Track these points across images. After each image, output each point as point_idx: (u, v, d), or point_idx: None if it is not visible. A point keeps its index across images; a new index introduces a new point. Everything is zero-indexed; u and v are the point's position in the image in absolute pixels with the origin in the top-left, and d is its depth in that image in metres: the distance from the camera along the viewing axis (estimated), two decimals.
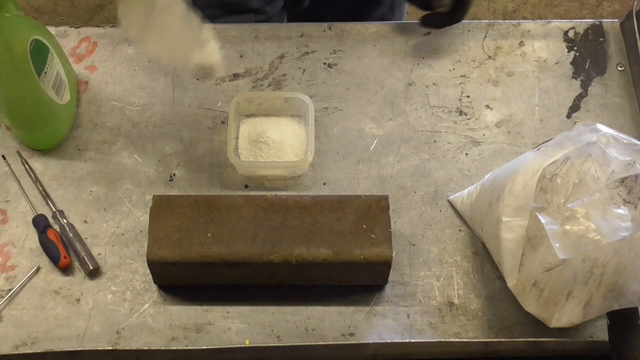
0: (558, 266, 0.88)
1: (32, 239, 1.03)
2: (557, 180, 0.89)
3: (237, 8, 1.27)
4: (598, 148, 0.89)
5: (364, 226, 0.95)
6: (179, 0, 0.96)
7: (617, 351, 0.89)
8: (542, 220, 0.87)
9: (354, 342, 0.97)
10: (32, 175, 1.07)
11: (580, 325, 0.95)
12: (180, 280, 0.99)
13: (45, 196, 1.05)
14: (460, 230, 1.05)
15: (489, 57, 1.18)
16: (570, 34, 1.21)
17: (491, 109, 1.14)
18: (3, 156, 1.09)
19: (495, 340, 0.97)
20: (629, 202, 0.86)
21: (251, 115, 1.11)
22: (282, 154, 1.07)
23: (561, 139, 0.94)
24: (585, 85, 1.16)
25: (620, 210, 0.86)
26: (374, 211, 0.96)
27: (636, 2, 1.15)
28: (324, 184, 1.08)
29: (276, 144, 1.07)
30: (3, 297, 0.98)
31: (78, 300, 0.99)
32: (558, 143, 0.93)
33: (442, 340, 0.96)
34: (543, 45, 1.19)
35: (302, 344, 0.96)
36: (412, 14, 1.39)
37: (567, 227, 0.87)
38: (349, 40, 1.19)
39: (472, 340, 0.97)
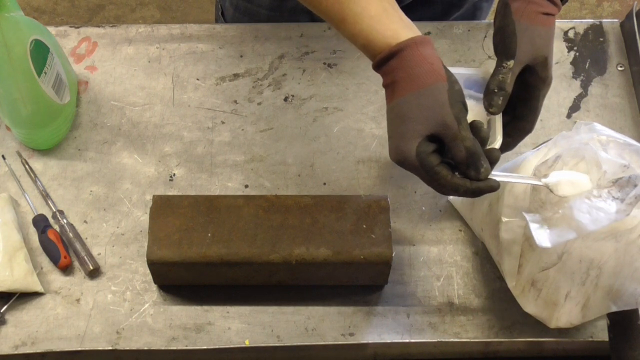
0: (554, 265, 0.88)
1: (32, 239, 1.03)
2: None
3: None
4: (591, 149, 0.89)
5: (364, 226, 0.95)
6: None
7: (617, 351, 0.89)
8: (527, 217, 0.88)
9: (354, 342, 0.97)
10: (32, 175, 1.07)
11: (580, 325, 0.95)
12: (180, 280, 0.99)
13: (45, 196, 1.05)
14: (460, 230, 1.05)
15: (489, 57, 1.18)
16: (570, 34, 1.21)
17: None
18: (3, 156, 1.09)
19: (495, 340, 0.97)
20: (616, 198, 0.87)
21: None
22: None
23: (558, 138, 0.94)
24: (585, 85, 1.16)
25: (605, 205, 0.86)
26: (374, 211, 0.96)
27: (636, 2, 1.15)
28: (324, 184, 1.08)
29: None
30: (4, 298, 0.98)
31: (78, 300, 0.99)
32: (555, 142, 0.94)
33: (442, 340, 0.96)
34: None
35: (302, 344, 0.96)
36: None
37: (551, 221, 0.87)
38: None
39: (472, 340, 0.97)
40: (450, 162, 0.84)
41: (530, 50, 0.90)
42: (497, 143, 0.91)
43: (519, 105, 0.93)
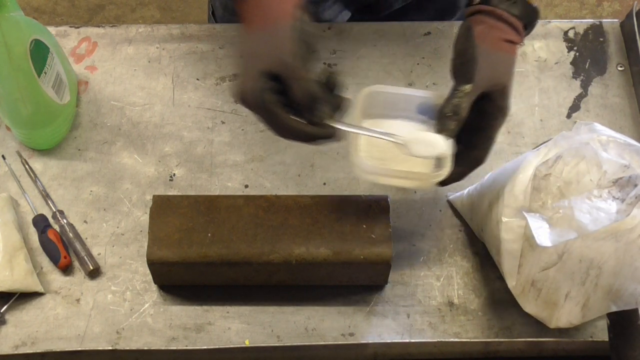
0: (554, 265, 0.88)
1: (32, 239, 1.03)
2: (550, 179, 0.90)
3: (312, 17, 1.26)
4: (591, 149, 0.89)
5: (364, 226, 0.95)
6: None
7: (617, 351, 0.89)
8: (527, 217, 0.88)
9: (354, 342, 0.97)
10: (32, 175, 1.07)
11: (580, 325, 0.95)
12: (180, 280, 0.99)
13: (45, 196, 1.05)
14: (460, 230, 1.05)
15: None
16: (570, 34, 1.21)
17: None
18: (3, 156, 1.09)
19: (495, 340, 0.97)
20: (617, 198, 0.87)
21: (378, 114, 0.93)
22: (410, 164, 0.91)
23: (558, 138, 0.94)
24: (585, 85, 1.16)
25: (606, 205, 0.86)
26: (374, 211, 0.96)
27: (636, 2, 1.15)
28: (324, 184, 1.08)
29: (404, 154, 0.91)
30: (4, 298, 0.98)
31: (78, 300, 0.99)
32: (555, 142, 0.94)
33: (442, 340, 0.96)
34: (543, 45, 1.19)
35: (302, 344, 0.96)
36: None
37: (552, 221, 0.87)
38: (349, 40, 1.19)
39: (472, 340, 0.97)
40: (293, 106, 0.82)
41: (489, 77, 0.87)
42: (446, 170, 0.87)
43: (474, 134, 0.89)
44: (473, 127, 0.88)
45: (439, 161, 0.89)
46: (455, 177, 0.90)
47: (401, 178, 0.90)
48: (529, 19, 0.91)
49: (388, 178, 0.90)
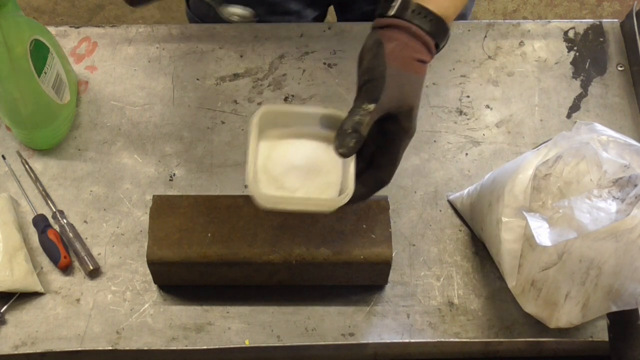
0: (554, 265, 0.88)
1: (32, 239, 1.03)
2: (550, 179, 0.90)
3: (279, 9, 1.25)
4: (591, 149, 0.89)
5: (364, 226, 0.95)
6: None
7: (617, 351, 0.89)
8: (527, 216, 0.88)
9: (354, 342, 0.97)
10: (32, 175, 1.07)
11: (580, 325, 0.95)
12: (180, 280, 0.99)
13: (45, 196, 1.05)
14: (460, 230, 1.05)
15: (489, 57, 1.18)
16: (570, 34, 1.21)
17: (491, 109, 1.14)
18: (3, 156, 1.09)
19: (495, 340, 0.97)
20: (617, 198, 0.87)
21: (276, 135, 0.90)
22: (311, 188, 0.88)
23: (558, 138, 0.94)
24: (585, 85, 1.16)
25: (605, 204, 0.86)
26: (374, 211, 0.96)
27: (636, 2, 1.15)
28: None
29: (306, 174, 0.89)
30: (4, 298, 0.98)
31: (78, 300, 0.99)
32: (555, 142, 0.94)
33: (442, 340, 0.96)
34: (543, 45, 1.19)
35: (302, 344, 0.96)
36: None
37: (552, 221, 0.87)
38: (349, 40, 1.19)
39: (472, 340, 0.97)
40: None
41: (396, 98, 0.83)
42: (350, 191, 0.84)
43: (377, 154, 0.86)
44: (377, 147, 0.86)
45: (342, 181, 0.88)
46: (358, 197, 0.87)
47: (303, 205, 0.87)
48: (440, 37, 0.87)
49: (289, 206, 0.87)
